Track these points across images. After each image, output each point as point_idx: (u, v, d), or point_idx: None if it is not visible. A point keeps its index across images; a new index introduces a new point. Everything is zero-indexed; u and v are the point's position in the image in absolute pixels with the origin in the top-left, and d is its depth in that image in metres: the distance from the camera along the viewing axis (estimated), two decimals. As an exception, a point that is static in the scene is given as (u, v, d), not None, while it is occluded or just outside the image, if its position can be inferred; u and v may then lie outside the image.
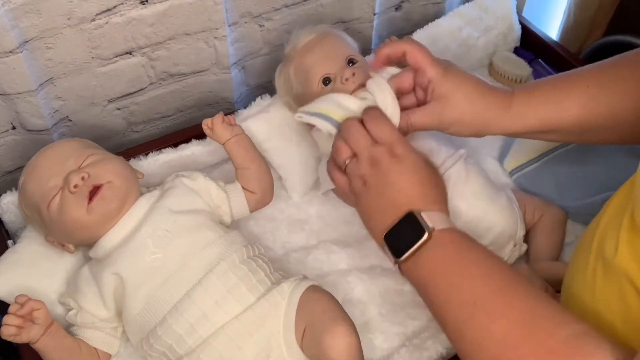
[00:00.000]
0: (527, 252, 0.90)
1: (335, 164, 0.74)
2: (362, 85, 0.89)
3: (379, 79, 0.78)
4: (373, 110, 0.74)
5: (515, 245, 0.89)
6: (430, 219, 0.65)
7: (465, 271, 0.62)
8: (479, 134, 0.78)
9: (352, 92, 0.85)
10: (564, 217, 0.93)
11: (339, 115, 0.76)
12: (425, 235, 0.64)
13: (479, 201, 0.87)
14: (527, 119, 0.76)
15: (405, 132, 0.76)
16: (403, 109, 0.76)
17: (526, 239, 0.91)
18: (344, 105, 0.77)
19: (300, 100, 0.95)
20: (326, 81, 0.90)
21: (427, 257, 0.64)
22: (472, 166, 0.90)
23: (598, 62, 0.77)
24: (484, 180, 0.90)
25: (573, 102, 0.74)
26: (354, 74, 0.88)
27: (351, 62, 0.92)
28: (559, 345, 0.54)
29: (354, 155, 0.71)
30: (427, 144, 0.89)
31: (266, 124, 0.97)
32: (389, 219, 0.67)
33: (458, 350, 0.61)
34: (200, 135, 0.96)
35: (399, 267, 0.66)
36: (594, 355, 0.52)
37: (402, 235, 0.66)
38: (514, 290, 0.60)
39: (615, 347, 0.52)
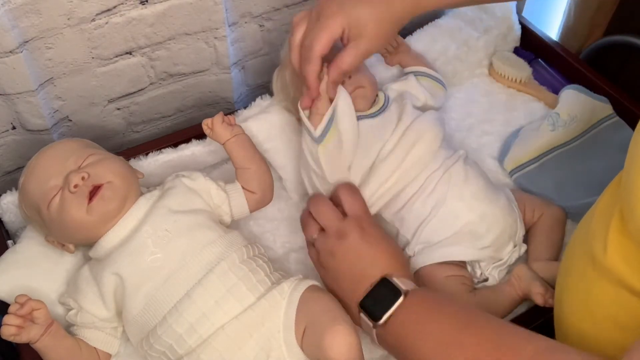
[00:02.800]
0: (526, 252, 0.90)
1: (306, 238, 0.81)
2: (360, 87, 0.90)
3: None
4: (348, 185, 0.82)
5: (515, 246, 0.88)
6: (403, 282, 0.71)
7: (435, 319, 0.66)
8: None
9: (350, 93, 0.87)
10: (564, 217, 0.93)
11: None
12: (402, 297, 0.69)
13: (478, 202, 0.87)
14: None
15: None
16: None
17: (525, 239, 0.91)
18: None
19: (297, 105, 0.95)
20: None
21: (402, 316, 0.68)
22: (470, 167, 0.90)
23: None
24: (484, 181, 0.90)
25: None
26: (350, 77, 0.89)
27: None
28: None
29: (322, 229, 0.78)
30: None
31: (266, 124, 0.97)
32: (363, 286, 0.72)
33: None
34: (200, 135, 0.96)
35: (377, 334, 0.70)
36: None
37: (378, 300, 0.70)
38: (480, 321, 0.64)
39: (588, 355, 0.54)
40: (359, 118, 0.89)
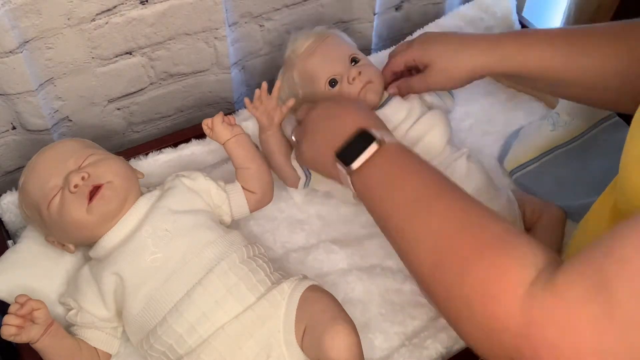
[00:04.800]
0: None
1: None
2: (370, 82, 0.90)
3: None
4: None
5: None
6: (379, 133, 0.70)
7: (409, 176, 0.67)
8: (472, 79, 0.86)
9: (359, 91, 0.89)
10: (563, 217, 0.93)
11: None
12: (375, 144, 0.69)
13: (479, 199, 0.87)
14: (513, 60, 0.82)
15: (404, 93, 0.91)
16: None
17: None
18: None
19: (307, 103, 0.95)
20: (332, 82, 0.91)
21: (376, 165, 0.69)
22: (474, 164, 0.90)
23: (588, 25, 0.84)
24: (485, 179, 0.90)
25: (556, 51, 0.80)
26: (360, 73, 0.89)
27: (354, 61, 0.92)
28: (491, 237, 0.56)
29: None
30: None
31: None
32: (340, 140, 0.72)
33: (398, 252, 0.65)
34: (200, 135, 0.96)
35: (353, 182, 0.71)
36: (522, 250, 0.54)
37: (355, 148, 0.70)
38: (453, 193, 0.64)
39: (545, 248, 0.54)
40: None
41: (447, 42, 0.86)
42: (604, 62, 0.76)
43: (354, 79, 0.90)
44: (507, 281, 0.51)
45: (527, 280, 0.50)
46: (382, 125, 0.76)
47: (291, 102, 0.88)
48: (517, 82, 0.93)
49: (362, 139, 0.71)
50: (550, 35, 0.82)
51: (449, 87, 0.89)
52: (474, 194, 0.86)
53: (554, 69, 0.79)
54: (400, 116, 0.90)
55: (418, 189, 0.65)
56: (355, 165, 0.69)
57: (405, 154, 0.70)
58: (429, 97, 0.98)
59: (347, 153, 0.71)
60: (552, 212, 0.92)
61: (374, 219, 0.69)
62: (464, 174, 0.88)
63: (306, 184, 0.92)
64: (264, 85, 0.87)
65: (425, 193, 0.64)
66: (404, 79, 0.91)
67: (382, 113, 0.92)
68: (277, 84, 0.89)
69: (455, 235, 0.58)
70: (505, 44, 0.82)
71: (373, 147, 0.69)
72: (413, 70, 0.91)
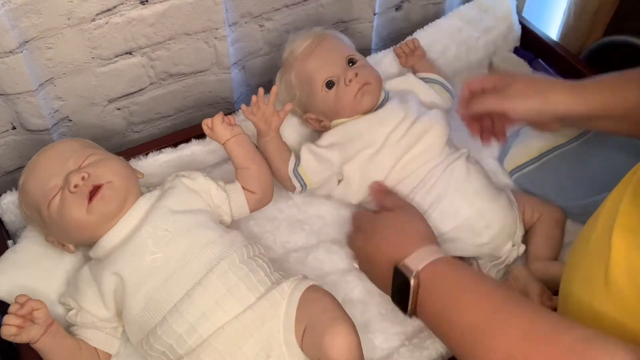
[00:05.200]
0: (525, 253, 0.90)
1: None
2: (367, 84, 0.90)
3: None
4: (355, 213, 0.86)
5: (513, 245, 0.89)
6: (412, 262, 0.69)
7: (460, 299, 0.65)
8: (540, 115, 0.81)
9: (356, 93, 0.90)
10: (563, 217, 0.93)
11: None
12: (412, 281, 0.68)
13: (479, 199, 0.87)
14: (589, 100, 0.79)
15: (472, 112, 0.84)
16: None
17: (525, 239, 0.91)
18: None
19: (304, 105, 0.95)
20: (329, 84, 0.91)
21: (425, 298, 0.67)
22: (473, 165, 0.91)
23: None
24: (485, 179, 0.90)
25: (635, 90, 0.77)
26: (356, 74, 0.89)
27: (351, 62, 0.92)
28: (566, 352, 0.54)
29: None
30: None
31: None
32: (388, 282, 0.73)
33: None
34: (200, 135, 0.96)
35: (417, 317, 0.70)
36: (603, 354, 0.51)
37: (400, 292, 0.70)
38: (511, 307, 0.61)
39: (625, 345, 0.52)
40: (350, 120, 0.92)
41: (531, 90, 0.82)
42: None
43: (350, 81, 0.90)
44: None
45: None
46: (419, 235, 0.75)
47: (289, 107, 0.88)
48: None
49: (399, 278, 0.70)
50: (624, 77, 0.81)
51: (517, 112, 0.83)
52: (475, 194, 0.87)
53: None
54: (399, 116, 0.90)
55: (472, 316, 0.62)
56: (409, 311, 0.69)
57: (447, 272, 0.68)
58: (429, 97, 0.98)
59: (397, 296, 0.71)
60: (552, 213, 0.92)
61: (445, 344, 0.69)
62: (464, 175, 0.88)
63: (303, 191, 0.93)
64: (261, 90, 0.87)
65: (481, 319, 0.61)
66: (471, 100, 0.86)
67: (379, 113, 0.92)
68: (274, 89, 0.89)
69: (524, 356, 0.56)
70: (585, 86, 0.82)
71: (412, 285, 0.68)
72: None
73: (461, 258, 0.86)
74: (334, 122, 0.93)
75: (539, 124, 0.84)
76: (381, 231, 0.78)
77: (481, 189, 0.88)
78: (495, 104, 0.82)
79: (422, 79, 1.02)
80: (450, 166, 0.88)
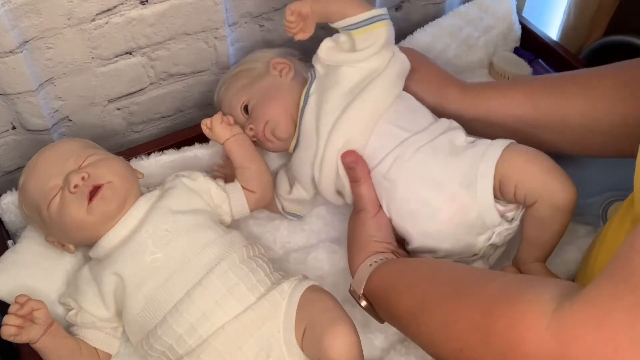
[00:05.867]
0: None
1: None
2: (266, 123, 0.86)
3: None
4: None
5: (489, 239, 0.78)
6: (356, 284, 0.77)
7: (397, 297, 0.70)
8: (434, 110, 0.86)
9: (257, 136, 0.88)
10: (569, 202, 0.74)
11: None
12: (363, 303, 0.76)
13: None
14: (478, 106, 0.85)
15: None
16: None
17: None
18: None
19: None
20: (246, 108, 0.90)
21: (379, 309, 0.75)
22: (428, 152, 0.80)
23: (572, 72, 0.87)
24: (438, 167, 0.79)
25: (523, 98, 0.83)
26: (251, 129, 0.88)
27: (246, 109, 0.90)
28: (494, 295, 0.56)
29: None
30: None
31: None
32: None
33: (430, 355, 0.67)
34: (203, 138, 0.94)
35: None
36: (531, 291, 0.53)
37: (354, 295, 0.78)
38: (437, 282, 0.66)
39: (550, 280, 0.54)
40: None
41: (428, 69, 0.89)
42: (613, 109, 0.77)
43: (251, 128, 0.87)
44: (528, 321, 0.51)
45: (548, 311, 0.49)
46: (363, 243, 0.80)
47: (231, 119, 0.86)
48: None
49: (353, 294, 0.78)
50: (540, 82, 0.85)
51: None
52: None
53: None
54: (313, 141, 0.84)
55: (409, 302, 0.67)
56: (380, 322, 0.77)
57: (385, 281, 0.73)
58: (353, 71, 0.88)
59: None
60: (551, 199, 0.79)
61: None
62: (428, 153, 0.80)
63: (301, 218, 0.95)
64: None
65: (417, 301, 0.66)
66: None
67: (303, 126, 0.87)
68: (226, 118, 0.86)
69: (458, 319, 0.58)
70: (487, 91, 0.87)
71: (364, 306, 0.76)
72: None
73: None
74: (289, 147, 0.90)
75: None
76: (351, 241, 0.83)
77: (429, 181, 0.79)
78: None
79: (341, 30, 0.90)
80: (416, 152, 0.79)
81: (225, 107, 0.92)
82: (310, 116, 0.85)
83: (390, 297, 0.71)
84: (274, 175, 0.93)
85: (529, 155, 0.77)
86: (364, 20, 0.83)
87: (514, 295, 0.54)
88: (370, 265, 0.76)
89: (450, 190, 0.77)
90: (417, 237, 0.80)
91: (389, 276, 0.73)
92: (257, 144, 0.90)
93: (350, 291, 0.79)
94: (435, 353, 0.64)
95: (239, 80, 0.92)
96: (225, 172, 0.93)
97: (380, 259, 0.77)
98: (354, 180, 0.81)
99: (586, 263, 0.69)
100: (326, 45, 0.87)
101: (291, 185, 0.90)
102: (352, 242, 0.82)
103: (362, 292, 0.75)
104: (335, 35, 0.87)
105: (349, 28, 0.84)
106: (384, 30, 0.84)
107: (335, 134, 0.81)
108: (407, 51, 0.89)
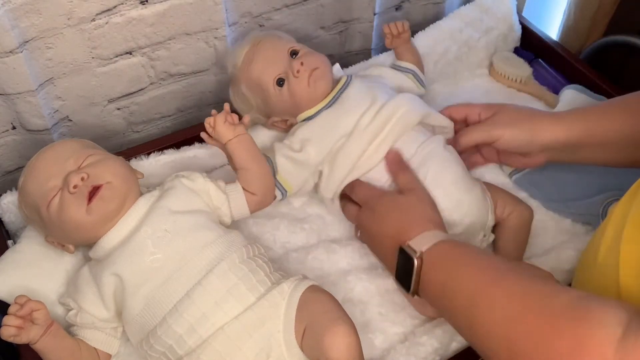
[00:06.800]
0: (494, 243, 0.91)
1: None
2: (315, 69, 0.91)
3: None
4: (356, 182, 0.89)
5: (484, 236, 0.89)
6: (416, 244, 0.73)
7: (460, 275, 0.68)
8: (528, 144, 0.86)
9: (307, 81, 0.90)
10: (531, 217, 0.92)
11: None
12: (415, 263, 0.72)
13: (456, 190, 0.87)
14: (573, 127, 0.83)
15: (461, 148, 0.90)
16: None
17: (494, 230, 0.91)
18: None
19: (265, 112, 0.96)
20: (280, 82, 0.91)
21: (428, 280, 0.71)
22: (450, 153, 0.90)
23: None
24: (461, 168, 0.90)
25: (617, 116, 0.81)
26: (302, 63, 0.90)
27: (294, 53, 0.93)
28: (562, 308, 0.55)
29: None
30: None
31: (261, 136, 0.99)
32: (392, 263, 0.77)
33: (474, 346, 0.64)
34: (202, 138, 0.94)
35: (419, 297, 0.74)
36: (600, 311, 0.52)
37: (404, 271, 0.74)
38: (508, 276, 0.64)
39: (620, 302, 0.53)
40: (316, 114, 0.91)
41: (518, 119, 0.87)
42: None
43: (298, 71, 0.90)
44: (593, 346, 0.49)
45: (614, 339, 0.49)
46: (425, 219, 0.78)
47: (247, 119, 0.87)
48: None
49: (404, 259, 0.74)
50: (607, 104, 0.85)
51: (504, 140, 0.88)
52: (451, 185, 0.86)
53: (629, 136, 0.80)
54: (366, 103, 0.90)
55: (470, 285, 0.65)
56: (412, 289, 0.74)
57: (449, 253, 0.71)
58: (399, 82, 0.98)
59: (401, 277, 0.76)
60: (521, 212, 0.90)
61: (448, 321, 0.72)
62: (440, 165, 0.87)
63: (283, 199, 0.93)
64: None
65: (479, 286, 0.64)
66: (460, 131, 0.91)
67: (344, 101, 0.91)
68: (247, 118, 0.87)
69: (523, 318, 0.57)
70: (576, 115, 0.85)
71: (415, 267, 0.72)
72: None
73: None
74: (299, 116, 0.93)
75: (526, 155, 0.88)
76: (389, 213, 0.81)
77: (458, 179, 0.88)
78: (483, 134, 0.87)
79: (396, 67, 1.02)
80: (426, 155, 0.88)
81: (264, 48, 0.93)
82: (358, 86, 0.93)
83: (452, 271, 0.68)
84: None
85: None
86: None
87: (583, 313, 0.53)
88: (440, 236, 0.74)
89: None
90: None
91: (457, 251, 0.71)
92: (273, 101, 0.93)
93: (403, 247, 0.74)
94: (479, 343, 0.62)
95: (281, 34, 0.98)
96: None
97: (446, 236, 0.75)
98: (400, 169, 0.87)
99: (587, 263, 0.68)
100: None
101: (302, 146, 0.91)
102: (414, 211, 0.80)
103: (423, 249, 0.72)
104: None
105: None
106: None
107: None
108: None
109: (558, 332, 0.53)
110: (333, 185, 0.91)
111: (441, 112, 0.93)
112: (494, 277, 0.64)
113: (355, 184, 0.89)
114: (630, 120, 0.80)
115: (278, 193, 0.91)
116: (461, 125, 0.93)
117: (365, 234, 0.86)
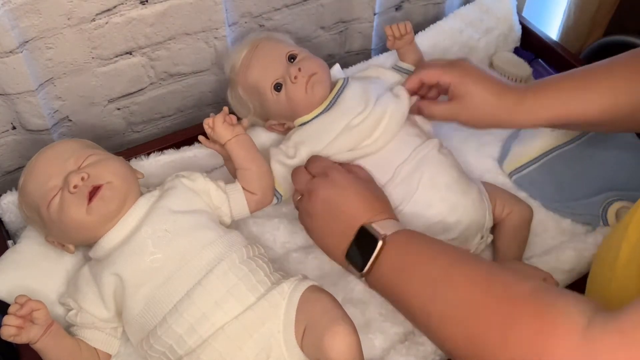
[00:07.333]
0: (492, 244, 0.91)
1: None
2: (313, 74, 0.90)
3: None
4: (312, 157, 0.85)
5: (482, 237, 0.89)
6: (381, 227, 0.71)
7: (421, 260, 0.67)
8: (494, 127, 0.88)
9: (305, 87, 0.90)
10: (531, 216, 0.92)
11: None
12: (380, 243, 0.70)
13: (451, 193, 0.87)
14: (537, 114, 0.82)
15: (424, 114, 0.89)
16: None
17: (492, 231, 0.91)
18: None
19: (262, 115, 0.96)
20: (277, 87, 0.91)
21: (386, 261, 0.69)
22: (445, 156, 0.90)
23: (598, 62, 0.82)
24: (457, 171, 0.89)
25: (594, 96, 0.80)
26: (299, 69, 0.90)
27: (292, 58, 0.92)
28: (525, 296, 0.55)
29: (301, 195, 0.81)
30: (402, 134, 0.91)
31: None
32: (345, 239, 0.74)
33: (429, 335, 0.64)
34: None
35: (367, 281, 0.72)
36: (563, 301, 0.52)
37: (361, 250, 0.72)
38: (468, 261, 0.63)
39: (585, 298, 0.53)
40: (313, 119, 0.91)
41: (487, 85, 0.84)
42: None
43: (295, 77, 0.90)
44: (557, 335, 0.49)
45: (578, 328, 0.48)
46: (385, 209, 0.76)
47: (246, 123, 0.87)
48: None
49: (365, 238, 0.72)
50: (585, 77, 0.82)
51: (475, 126, 0.88)
52: (447, 187, 0.86)
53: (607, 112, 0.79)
54: (360, 107, 0.90)
55: (432, 270, 0.64)
56: (366, 269, 0.71)
57: (411, 239, 0.70)
58: (396, 82, 0.98)
59: (355, 255, 0.73)
60: (521, 211, 0.91)
61: (399, 311, 0.70)
62: (435, 168, 0.87)
63: (278, 203, 0.93)
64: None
65: (441, 271, 0.63)
66: (428, 100, 0.90)
67: (340, 105, 0.91)
68: (245, 122, 0.88)
69: (484, 304, 0.57)
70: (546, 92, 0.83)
71: (378, 247, 0.70)
72: (434, 88, 0.91)
73: None
74: (297, 121, 0.93)
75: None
76: (357, 189, 0.78)
77: (453, 182, 0.87)
78: (446, 117, 0.87)
79: (396, 68, 1.01)
80: (421, 160, 0.88)
81: (262, 52, 0.93)
82: (354, 89, 0.92)
83: (413, 256, 0.68)
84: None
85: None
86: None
87: (547, 301, 0.52)
88: (401, 226, 0.73)
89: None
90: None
91: (418, 239, 0.70)
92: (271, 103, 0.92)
93: (367, 226, 0.72)
94: (435, 329, 0.61)
95: (281, 37, 0.98)
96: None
97: (406, 229, 0.74)
98: None
99: (605, 263, 0.68)
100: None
101: (296, 150, 0.91)
102: (378, 196, 0.79)
103: (387, 233, 0.70)
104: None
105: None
106: None
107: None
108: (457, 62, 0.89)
109: (520, 319, 0.52)
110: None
111: (411, 78, 0.90)
112: (456, 261, 0.64)
113: (314, 157, 0.86)
114: (615, 99, 0.78)
115: (273, 198, 0.91)
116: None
117: (314, 203, 0.79)
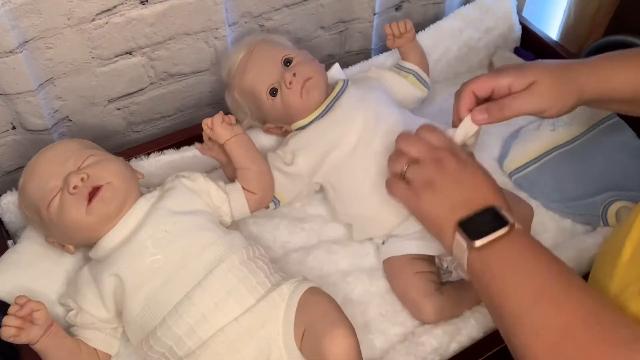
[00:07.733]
0: None
1: (392, 173, 0.76)
2: (308, 79, 0.90)
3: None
4: (427, 125, 0.77)
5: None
6: (510, 216, 0.66)
7: (535, 265, 0.63)
8: (574, 106, 0.78)
9: (300, 92, 0.89)
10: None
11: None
12: (507, 227, 0.65)
13: None
14: (609, 81, 0.76)
15: (494, 118, 0.77)
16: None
17: None
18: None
19: (259, 118, 0.96)
20: (273, 92, 0.91)
21: (500, 249, 0.65)
22: None
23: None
24: None
25: (632, 74, 0.75)
26: (294, 74, 0.90)
27: (288, 62, 0.92)
28: (621, 341, 0.54)
29: (413, 160, 0.74)
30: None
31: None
32: (465, 212, 0.68)
33: (511, 337, 0.61)
34: (202, 138, 0.95)
35: (468, 256, 0.66)
36: None
37: (481, 225, 0.66)
38: (582, 290, 0.61)
39: None
40: (309, 124, 0.91)
41: (547, 65, 0.78)
42: None
43: (290, 83, 0.89)
44: None
45: None
46: (509, 206, 0.71)
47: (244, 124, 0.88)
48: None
49: (491, 217, 0.67)
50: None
51: (552, 113, 0.78)
52: None
53: None
54: (359, 115, 0.90)
55: (544, 280, 0.62)
56: (480, 242, 0.65)
57: (533, 243, 0.67)
58: (399, 86, 0.98)
59: (472, 227, 0.67)
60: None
61: (483, 299, 0.66)
62: None
63: (276, 208, 0.94)
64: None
65: (552, 285, 0.61)
66: (491, 102, 0.79)
67: (336, 111, 0.91)
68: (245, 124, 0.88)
69: (583, 335, 0.56)
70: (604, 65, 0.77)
71: (503, 230, 0.65)
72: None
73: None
74: (294, 125, 0.93)
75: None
76: (485, 173, 0.73)
77: None
78: (517, 109, 0.77)
79: (397, 68, 1.01)
80: None
81: (257, 56, 0.92)
82: (352, 95, 0.92)
83: (526, 261, 0.64)
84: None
85: None
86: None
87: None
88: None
89: None
90: None
91: (538, 248, 0.66)
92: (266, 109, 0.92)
93: (494, 207, 0.67)
94: (521, 343, 0.59)
95: (278, 39, 0.97)
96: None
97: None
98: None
99: (607, 262, 0.67)
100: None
101: (294, 157, 0.91)
102: (489, 176, 0.73)
103: (517, 226, 0.66)
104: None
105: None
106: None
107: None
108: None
109: (605, 356, 0.53)
110: (350, 209, 0.91)
111: (461, 92, 0.81)
112: (567, 284, 0.61)
113: (430, 127, 0.77)
114: None
115: (271, 204, 0.92)
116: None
117: (439, 171, 0.72)
